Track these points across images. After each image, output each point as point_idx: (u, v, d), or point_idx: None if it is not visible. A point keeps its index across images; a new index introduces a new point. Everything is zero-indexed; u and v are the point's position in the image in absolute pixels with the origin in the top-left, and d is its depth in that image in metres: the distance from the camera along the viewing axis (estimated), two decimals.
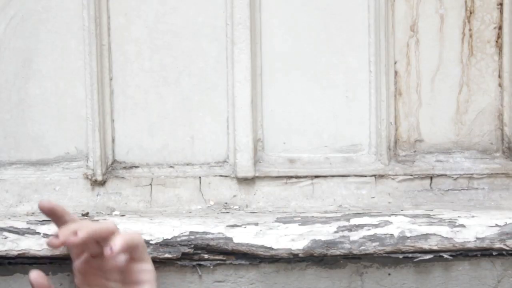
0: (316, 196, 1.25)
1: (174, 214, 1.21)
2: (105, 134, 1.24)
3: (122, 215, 1.19)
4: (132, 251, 1.02)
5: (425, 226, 1.14)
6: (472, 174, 1.24)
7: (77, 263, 1.06)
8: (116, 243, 0.97)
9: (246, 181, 1.24)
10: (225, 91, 1.24)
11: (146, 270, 1.04)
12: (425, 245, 1.13)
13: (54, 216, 1.05)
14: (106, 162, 1.24)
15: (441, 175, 1.24)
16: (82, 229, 0.97)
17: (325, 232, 1.14)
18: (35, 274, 1.00)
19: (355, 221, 1.16)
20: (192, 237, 1.14)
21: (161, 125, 1.25)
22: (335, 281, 1.16)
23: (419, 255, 1.14)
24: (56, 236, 0.96)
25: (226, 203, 1.25)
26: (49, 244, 0.96)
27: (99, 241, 1.00)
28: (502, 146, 1.26)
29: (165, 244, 1.13)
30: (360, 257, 1.16)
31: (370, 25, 1.23)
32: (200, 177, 1.24)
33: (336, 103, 1.25)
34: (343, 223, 1.15)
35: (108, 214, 1.21)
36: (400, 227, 1.15)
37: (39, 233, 1.13)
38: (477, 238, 1.14)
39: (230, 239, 1.14)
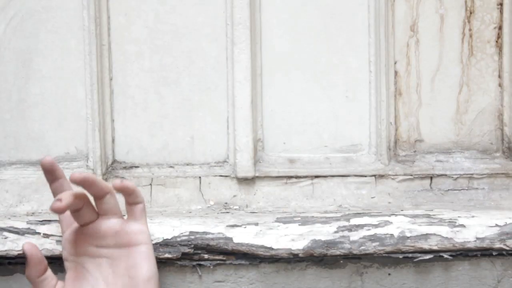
0: (316, 196, 1.25)
1: (174, 214, 1.21)
2: (105, 134, 1.24)
3: (122, 215, 1.19)
4: (136, 202, 1.03)
5: (425, 226, 1.14)
6: (472, 174, 1.24)
7: (67, 233, 1.05)
8: (128, 180, 1.00)
9: (246, 181, 1.24)
10: (225, 91, 1.24)
11: (142, 231, 1.04)
12: (425, 245, 1.13)
13: (53, 175, 1.04)
14: (106, 162, 1.24)
15: (441, 175, 1.24)
16: (84, 173, 0.98)
17: (325, 232, 1.14)
18: (29, 246, 1.00)
19: (355, 221, 1.16)
20: (192, 237, 1.14)
21: (161, 125, 1.25)
22: (335, 281, 1.16)
23: (419, 255, 1.14)
24: (60, 200, 0.94)
25: (226, 203, 1.25)
26: (53, 209, 0.93)
27: (95, 193, 1.00)
28: (502, 146, 1.26)
29: (165, 244, 1.13)
30: (360, 257, 1.16)
31: (370, 25, 1.23)
32: (200, 177, 1.24)
33: (336, 103, 1.25)
34: (343, 223, 1.15)
35: None
36: (400, 227, 1.15)
37: (39, 233, 1.13)
38: (477, 238, 1.14)
39: (230, 239, 1.14)
